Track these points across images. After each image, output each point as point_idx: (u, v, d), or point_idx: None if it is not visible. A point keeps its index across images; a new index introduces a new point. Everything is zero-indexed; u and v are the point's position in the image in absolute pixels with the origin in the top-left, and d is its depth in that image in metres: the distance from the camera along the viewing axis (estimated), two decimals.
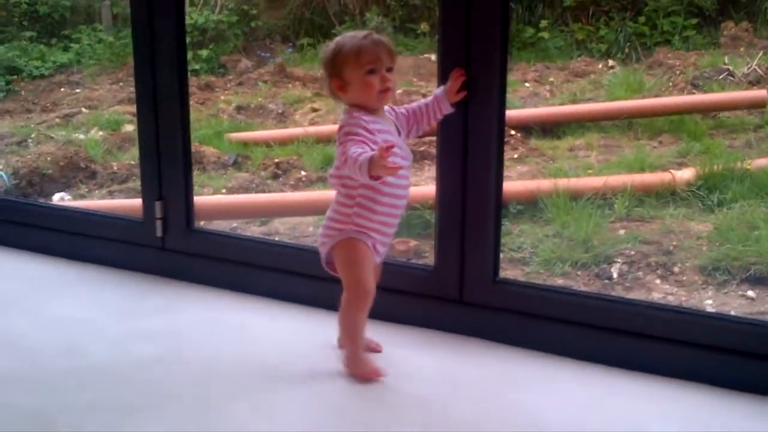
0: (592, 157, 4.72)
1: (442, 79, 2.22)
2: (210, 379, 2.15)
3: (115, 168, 4.79)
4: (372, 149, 1.94)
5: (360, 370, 2.12)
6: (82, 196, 4.52)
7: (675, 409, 2.00)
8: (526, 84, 6.21)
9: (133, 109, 2.87)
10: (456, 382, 2.13)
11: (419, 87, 6.09)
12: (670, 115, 5.24)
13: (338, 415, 1.99)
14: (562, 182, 4.01)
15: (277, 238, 3.79)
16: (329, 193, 2.16)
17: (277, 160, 4.79)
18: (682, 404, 2.01)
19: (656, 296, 3.16)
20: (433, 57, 6.60)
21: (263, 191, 4.49)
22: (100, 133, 5.50)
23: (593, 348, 2.21)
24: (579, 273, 3.36)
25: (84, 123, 5.83)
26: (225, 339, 2.37)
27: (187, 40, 2.82)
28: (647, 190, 4.02)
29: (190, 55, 6.74)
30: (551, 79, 6.32)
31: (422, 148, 4.66)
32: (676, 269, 3.34)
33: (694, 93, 5.60)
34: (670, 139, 4.96)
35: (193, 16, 7.26)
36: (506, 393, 2.08)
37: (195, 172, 4.07)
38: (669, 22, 6.97)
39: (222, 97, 6.35)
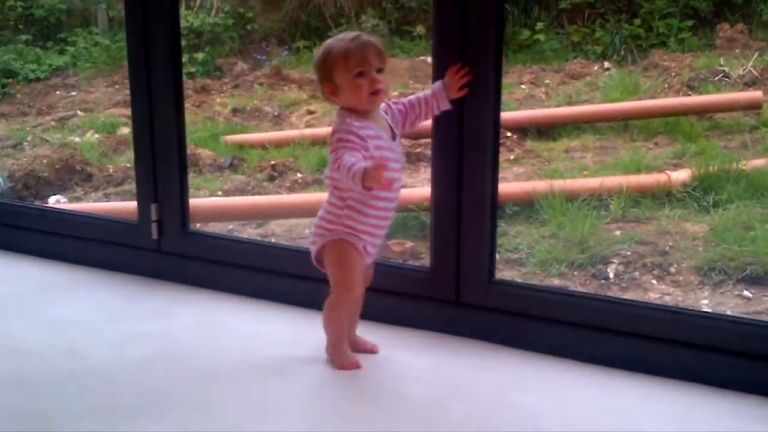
0: (588, 159, 4.73)
1: (438, 80, 2.22)
2: (207, 381, 2.14)
3: (111, 171, 4.79)
4: (365, 156, 1.96)
5: (339, 359, 2.17)
6: (78, 199, 4.52)
7: (672, 409, 2.00)
8: (522, 86, 6.22)
9: (129, 111, 2.87)
10: (452, 383, 2.13)
11: (415, 89, 6.09)
12: (665, 116, 5.25)
13: (335, 417, 1.99)
14: (558, 183, 4.01)
15: (273, 240, 3.79)
16: (325, 195, 2.16)
17: (273, 163, 4.79)
18: (679, 404, 2.01)
19: (653, 296, 3.16)
20: (429, 59, 6.59)
21: (259, 193, 4.49)
22: (96, 135, 5.50)
23: (590, 348, 2.21)
24: (575, 273, 3.36)
25: (80, 126, 5.83)
26: (221, 341, 2.37)
27: (184, 43, 2.83)
28: (643, 191, 4.03)
29: (186, 58, 6.74)
30: (547, 81, 6.33)
31: (418, 150, 4.67)
32: (672, 269, 3.34)
33: (689, 94, 5.61)
34: (665, 141, 4.97)
35: (189, 19, 7.26)
36: (503, 394, 2.08)
37: (191, 175, 4.08)
38: (664, 24, 6.99)
39: (218, 100, 6.35)
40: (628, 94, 5.70)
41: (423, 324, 2.38)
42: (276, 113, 5.95)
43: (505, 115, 4.60)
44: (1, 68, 7.01)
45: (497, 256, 2.41)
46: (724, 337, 2.09)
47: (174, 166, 2.72)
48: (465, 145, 2.26)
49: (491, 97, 2.22)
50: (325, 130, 5.07)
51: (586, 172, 4.42)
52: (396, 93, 5.82)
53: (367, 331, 2.31)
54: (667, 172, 4.21)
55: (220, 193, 4.49)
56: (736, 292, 3.17)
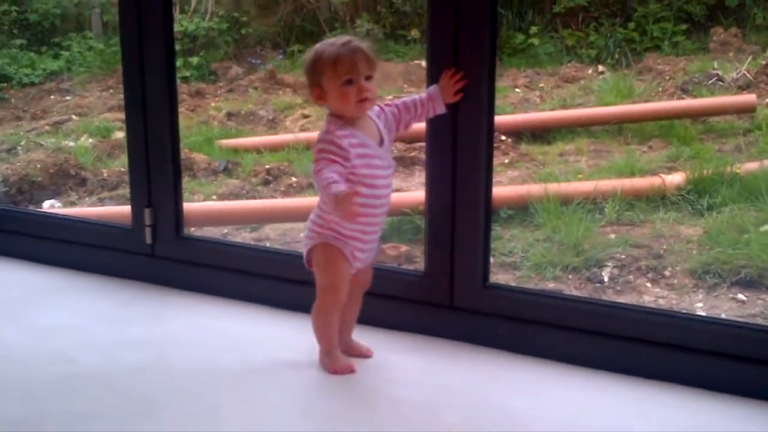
0: (583, 162, 4.73)
1: (432, 84, 2.22)
2: (200, 386, 2.14)
3: (105, 175, 4.78)
4: (344, 166, 1.98)
5: (332, 364, 2.17)
6: (72, 203, 4.51)
7: (666, 413, 1.99)
8: (517, 90, 6.23)
9: (123, 116, 2.87)
10: (447, 387, 2.12)
11: (410, 93, 6.08)
12: (659, 120, 5.26)
13: (329, 421, 1.98)
14: (553, 187, 4.02)
15: (267, 245, 3.78)
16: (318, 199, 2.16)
17: (267, 167, 4.79)
18: (673, 408, 2.01)
19: (647, 299, 3.16)
20: (424, 63, 6.59)
21: (254, 198, 4.49)
22: (90, 140, 5.49)
23: (584, 352, 2.21)
24: (570, 277, 3.36)
25: (74, 130, 5.82)
26: (215, 346, 2.36)
27: (178, 47, 2.83)
28: (637, 194, 4.03)
29: (180, 62, 6.74)
30: (541, 84, 6.33)
31: (412, 154, 4.67)
32: (666, 273, 3.34)
33: (683, 98, 5.62)
34: (659, 144, 4.97)
35: (183, 24, 7.26)
36: (497, 398, 2.07)
37: (186, 179, 4.08)
38: (658, 27, 7.00)
39: (212, 104, 6.34)
40: (623, 98, 5.71)
41: (417, 328, 2.37)
42: (271, 117, 5.94)
43: (500, 119, 4.61)
44: None
45: (492, 259, 2.41)
46: (719, 340, 2.09)
47: (168, 171, 2.72)
48: (459, 149, 2.26)
49: (485, 100, 2.23)
50: None
51: (580, 176, 4.43)
52: (390, 97, 5.80)
53: (361, 335, 2.30)
54: (662, 175, 4.22)
55: (214, 197, 4.49)
56: (731, 295, 3.18)
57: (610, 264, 3.41)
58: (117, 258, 2.85)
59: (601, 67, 6.63)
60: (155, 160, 2.73)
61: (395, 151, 4.76)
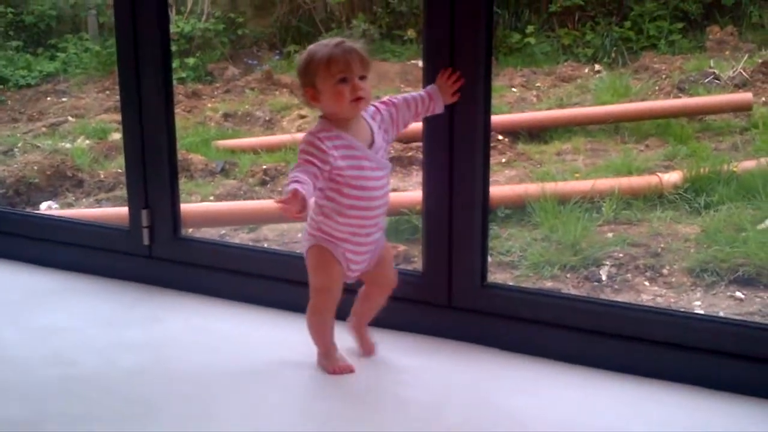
0: (580, 161, 4.73)
1: (428, 84, 2.22)
2: (199, 387, 2.14)
3: (102, 176, 4.78)
4: (320, 168, 1.98)
5: (330, 364, 2.18)
6: (70, 205, 4.51)
7: (665, 411, 2.00)
8: (513, 89, 6.23)
9: (120, 117, 2.86)
10: (445, 386, 2.12)
11: (407, 92, 6.08)
12: (656, 118, 5.26)
13: (328, 421, 1.98)
14: (550, 186, 4.02)
15: (265, 245, 3.78)
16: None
17: (264, 167, 4.78)
18: (672, 407, 2.02)
19: (645, 298, 3.16)
20: (420, 63, 6.59)
21: (251, 198, 4.48)
22: (87, 141, 5.49)
23: (583, 351, 2.21)
24: (568, 276, 3.36)
25: (71, 132, 5.81)
26: (213, 347, 2.36)
27: (174, 48, 2.82)
28: (634, 193, 4.03)
29: (177, 63, 6.73)
30: (538, 84, 6.34)
31: (409, 154, 4.67)
32: (664, 271, 3.35)
33: (680, 97, 5.62)
34: (656, 143, 4.98)
35: (179, 25, 7.25)
36: (496, 397, 2.08)
37: (183, 180, 4.07)
38: (655, 26, 7.00)
39: (209, 105, 6.34)
40: (619, 97, 5.71)
41: (416, 328, 2.37)
42: (267, 118, 5.94)
43: (497, 119, 4.60)
44: None
45: (489, 259, 2.41)
46: (717, 338, 2.09)
47: (165, 172, 2.71)
48: (456, 149, 2.26)
49: (481, 100, 2.23)
50: None
51: (577, 175, 4.43)
52: (387, 97, 5.81)
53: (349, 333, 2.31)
54: (659, 174, 4.22)
55: (212, 198, 4.48)
56: (729, 293, 3.18)
57: (608, 263, 3.41)
58: (114, 259, 2.85)
59: (597, 66, 6.63)
60: (152, 161, 2.72)
61: (392, 151, 4.76)
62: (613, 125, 5.22)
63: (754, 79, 5.70)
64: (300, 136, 5.20)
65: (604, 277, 3.31)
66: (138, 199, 2.77)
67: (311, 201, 2.03)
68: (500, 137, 4.96)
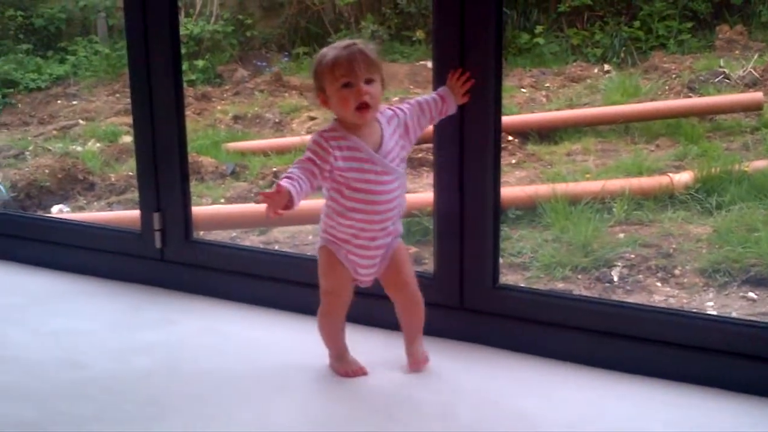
0: (590, 162, 4.72)
1: (438, 85, 2.22)
2: (210, 389, 2.14)
3: (113, 179, 4.79)
4: (320, 167, 1.99)
5: (341, 367, 2.18)
6: (81, 208, 4.52)
7: (678, 413, 1.99)
8: (523, 90, 6.22)
9: (130, 120, 2.87)
10: (457, 387, 2.12)
11: (415, 94, 6.08)
12: (666, 118, 5.24)
13: (339, 423, 1.98)
14: (561, 187, 4.01)
15: (276, 247, 3.78)
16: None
17: (274, 169, 4.79)
18: (685, 408, 2.01)
19: (657, 299, 3.15)
20: (429, 64, 6.59)
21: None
22: (98, 144, 5.51)
23: (595, 352, 2.21)
24: (579, 277, 3.36)
25: (81, 135, 5.83)
26: (225, 350, 2.37)
27: (184, 50, 2.83)
28: (645, 193, 4.02)
29: (186, 65, 6.74)
30: (547, 84, 6.32)
31: (420, 155, 4.66)
32: (676, 272, 3.33)
33: (690, 96, 5.60)
34: (667, 143, 4.96)
35: (188, 27, 7.26)
36: (508, 399, 2.07)
37: (193, 183, 4.08)
38: (664, 26, 6.98)
39: (219, 107, 6.35)
40: (629, 97, 5.70)
41: (427, 329, 2.36)
42: (277, 120, 5.95)
43: (506, 119, 4.58)
44: (1, 78, 7.00)
45: (501, 260, 2.40)
46: (730, 339, 2.08)
47: (176, 175, 2.72)
48: (466, 150, 2.26)
49: (492, 101, 2.22)
50: None
51: (588, 176, 4.42)
52: (396, 98, 5.82)
53: (372, 337, 2.31)
54: (669, 174, 4.20)
55: (222, 200, 4.49)
56: (741, 294, 3.17)
57: (619, 264, 3.40)
58: (126, 262, 2.85)
59: (606, 66, 6.61)
60: (163, 164, 2.73)
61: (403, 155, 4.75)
62: (623, 125, 5.21)
63: (765, 78, 5.68)
64: (309, 138, 5.23)
65: (615, 278, 3.31)
66: (150, 202, 2.77)
67: (300, 200, 1.99)
68: (510, 138, 4.95)
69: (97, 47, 7.61)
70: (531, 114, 5.57)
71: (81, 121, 6.19)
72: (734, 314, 3.00)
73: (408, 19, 7.52)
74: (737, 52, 6.36)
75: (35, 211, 4.42)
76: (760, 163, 4.30)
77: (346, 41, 2.05)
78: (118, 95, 6.71)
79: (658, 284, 3.27)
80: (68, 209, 4.48)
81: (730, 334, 2.09)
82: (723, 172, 4.13)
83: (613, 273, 3.33)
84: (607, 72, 6.48)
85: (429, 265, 3.09)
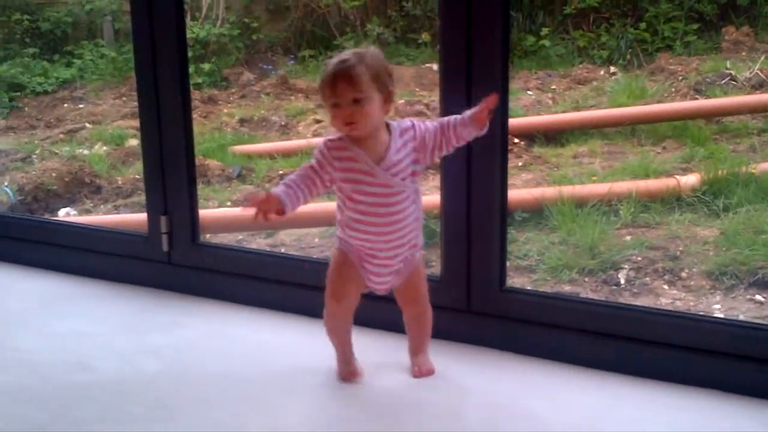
0: (596, 164, 4.72)
1: (444, 88, 2.22)
2: (217, 393, 2.14)
3: (120, 183, 4.80)
4: (319, 175, 2.01)
5: (339, 372, 2.20)
6: (88, 212, 4.53)
7: (684, 415, 1.99)
8: (529, 92, 6.22)
9: (137, 123, 2.88)
10: (464, 390, 2.12)
11: (421, 97, 6.09)
12: (673, 120, 5.24)
13: (347, 426, 1.98)
14: (567, 189, 4.00)
15: (282, 250, 3.78)
16: (334, 205, 2.16)
17: (281, 172, 4.80)
18: (691, 411, 2.01)
19: (664, 301, 3.15)
20: (435, 66, 6.61)
21: None
22: (104, 148, 5.52)
23: (601, 355, 2.20)
24: (586, 280, 3.35)
25: (88, 138, 5.85)
26: (232, 352, 2.37)
27: (190, 53, 2.83)
28: (652, 196, 4.02)
29: (192, 68, 6.76)
30: (553, 86, 6.32)
31: None
32: (683, 274, 3.33)
33: (696, 98, 5.60)
34: (673, 145, 4.96)
35: (194, 30, 7.28)
36: (514, 401, 2.07)
37: (200, 186, 4.09)
38: (670, 27, 6.98)
39: (225, 110, 6.36)
40: (635, 99, 5.69)
41: (435, 332, 2.36)
42: (283, 123, 5.96)
43: (513, 122, 4.59)
44: (8, 82, 7.03)
45: (507, 263, 2.40)
46: (737, 342, 2.08)
47: (183, 178, 2.73)
48: (474, 153, 2.26)
49: (499, 103, 2.22)
50: None
51: (594, 178, 4.41)
52: (402, 101, 5.83)
53: (378, 340, 2.31)
54: (676, 176, 4.20)
55: (228, 203, 4.50)
56: (748, 296, 3.16)
57: (626, 266, 3.39)
58: (134, 265, 2.86)
59: (612, 68, 6.61)
60: (170, 167, 2.74)
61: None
62: (629, 128, 5.21)
63: None
64: (316, 140, 5.24)
65: (622, 281, 3.30)
66: (157, 206, 2.78)
67: (296, 206, 2.00)
68: (516, 140, 4.95)
69: (104, 51, 7.64)
70: (537, 116, 5.56)
71: (88, 125, 6.20)
72: (741, 317, 2.99)
73: (413, 22, 7.53)
74: (744, 53, 6.35)
75: (42, 215, 4.43)
76: (766, 165, 4.28)
77: (345, 54, 2.00)
78: (124, 98, 6.73)
79: (665, 287, 3.26)
80: (75, 212, 4.49)
81: (737, 337, 2.09)
82: (730, 175, 4.12)
83: (619, 275, 3.33)
84: (613, 74, 6.48)
85: (436, 268, 3.09)
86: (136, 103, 2.82)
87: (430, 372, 2.20)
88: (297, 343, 2.40)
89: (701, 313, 2.95)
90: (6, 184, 4.72)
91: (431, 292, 2.27)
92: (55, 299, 2.79)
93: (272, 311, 2.59)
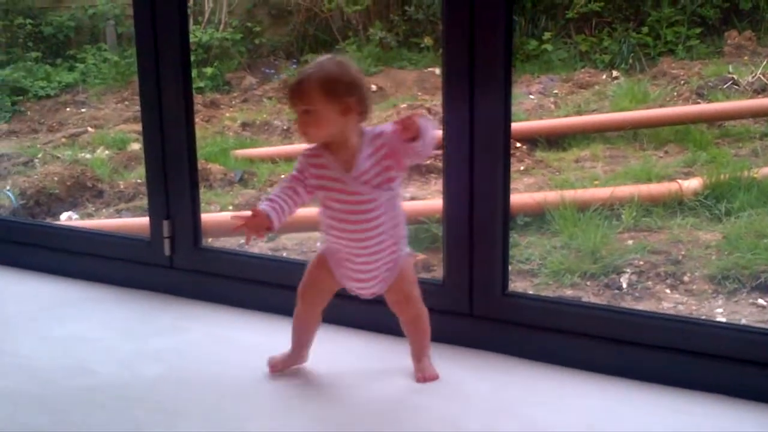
0: (599, 168, 4.71)
1: (447, 91, 2.22)
2: (220, 397, 2.14)
3: (122, 187, 4.80)
4: (302, 182, 2.08)
5: (277, 356, 2.28)
6: (90, 216, 4.53)
7: (686, 419, 1.98)
8: (531, 96, 6.21)
9: (139, 127, 2.88)
10: (467, 395, 2.12)
11: (423, 101, 6.10)
12: (675, 124, 5.23)
13: (347, 430, 1.98)
14: (569, 193, 4.00)
15: (284, 254, 3.78)
16: None
17: (282, 176, 4.79)
18: (693, 415, 2.00)
19: (666, 306, 3.14)
20: (437, 71, 6.61)
21: None
22: (107, 152, 5.52)
23: (603, 359, 2.20)
24: (588, 284, 3.35)
25: (90, 142, 5.85)
26: (234, 357, 2.37)
27: (192, 57, 2.83)
28: (654, 200, 4.01)
29: (194, 72, 6.74)
30: (555, 90, 6.32)
31: (427, 162, 4.66)
32: (685, 278, 3.32)
33: (699, 102, 5.59)
34: (675, 149, 4.95)
35: (197, 34, 7.29)
36: (517, 406, 2.07)
37: (201, 190, 4.08)
38: (672, 32, 6.97)
39: (227, 114, 6.36)
40: (637, 103, 5.69)
41: (436, 336, 2.36)
42: (285, 127, 5.95)
43: (515, 126, 4.56)
44: (11, 86, 7.03)
45: (509, 267, 2.40)
46: (740, 346, 2.08)
47: (185, 182, 2.73)
48: (476, 157, 2.26)
49: (501, 107, 2.22)
50: None
51: (596, 182, 4.41)
52: (404, 105, 5.83)
53: (381, 344, 2.31)
54: (678, 180, 4.19)
55: (230, 207, 4.50)
56: (751, 301, 3.15)
57: (628, 270, 3.39)
58: (136, 270, 2.86)
59: (615, 73, 6.60)
60: (173, 171, 2.74)
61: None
62: (631, 132, 5.20)
63: None
64: None
65: (624, 285, 3.30)
66: (159, 210, 2.78)
67: (282, 219, 2.05)
68: (518, 145, 4.95)
69: (106, 55, 7.64)
70: (539, 120, 5.56)
71: (90, 129, 6.20)
72: (744, 321, 2.99)
73: (416, 26, 7.52)
74: (746, 57, 6.34)
75: (44, 219, 4.43)
76: None
77: (310, 65, 2.06)
78: (126, 103, 6.73)
79: (667, 291, 3.26)
80: (77, 216, 4.49)
81: (740, 341, 2.09)
82: (732, 179, 4.12)
83: (622, 280, 3.33)
84: (616, 78, 6.47)
85: (438, 272, 3.09)
86: (138, 108, 2.83)
87: (433, 378, 2.19)
88: None
89: (703, 318, 2.95)
90: (8, 188, 4.72)
91: (433, 296, 2.27)
92: (56, 303, 2.79)
93: (274, 315, 2.59)
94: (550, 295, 3.16)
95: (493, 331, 2.33)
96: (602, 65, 6.82)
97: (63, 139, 5.98)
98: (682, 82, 5.99)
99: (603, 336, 2.21)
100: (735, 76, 5.79)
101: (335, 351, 2.26)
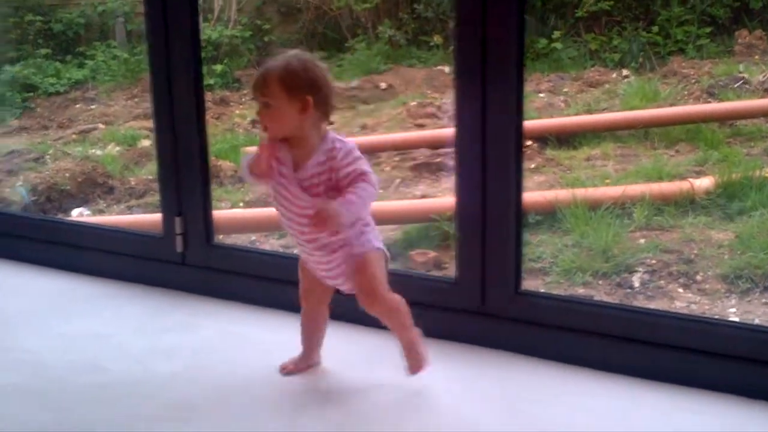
0: (610, 167, 4.70)
1: (459, 88, 2.22)
2: (233, 393, 2.14)
3: (133, 183, 4.81)
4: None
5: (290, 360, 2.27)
6: (101, 212, 4.54)
7: (698, 420, 1.98)
8: (541, 95, 6.20)
9: (149, 124, 2.89)
10: (479, 393, 2.12)
11: (433, 99, 6.09)
12: (686, 123, 5.21)
13: (358, 427, 1.98)
14: (580, 192, 3.99)
15: (295, 251, 3.77)
16: None
17: None
18: (707, 415, 2.00)
19: (679, 305, 3.13)
20: (446, 69, 6.60)
21: None
22: (117, 148, 5.53)
23: (615, 359, 2.20)
24: (600, 283, 3.34)
25: (100, 139, 5.86)
26: (246, 353, 2.37)
27: (202, 55, 2.82)
28: (666, 199, 4.00)
29: (204, 70, 6.75)
30: (565, 89, 6.30)
31: (438, 160, 4.66)
32: (698, 278, 3.31)
33: (709, 101, 5.58)
34: (687, 148, 4.94)
35: (206, 32, 7.29)
36: (529, 405, 2.06)
37: (212, 187, 4.08)
38: (682, 31, 6.95)
39: (237, 112, 6.37)
40: (648, 102, 5.67)
41: (449, 335, 2.36)
42: None
43: (525, 124, 4.56)
44: (21, 82, 7.05)
45: None
46: (753, 346, 2.07)
47: (197, 179, 2.73)
48: (488, 155, 2.25)
49: (513, 106, 2.22)
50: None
51: (608, 181, 4.40)
52: (414, 103, 5.82)
53: (390, 340, 2.30)
54: (690, 179, 4.18)
55: (241, 204, 4.50)
56: (764, 300, 3.14)
57: (640, 269, 3.38)
58: (148, 266, 2.86)
59: (625, 71, 6.59)
60: (185, 168, 2.74)
61: (420, 158, 4.75)
62: (642, 130, 5.18)
63: None
64: None
65: (636, 284, 3.29)
66: (171, 206, 2.78)
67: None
68: (529, 143, 4.93)
69: (116, 52, 7.64)
70: (550, 119, 5.54)
71: (100, 125, 6.21)
72: (757, 321, 2.98)
73: (425, 24, 7.52)
74: (757, 57, 6.32)
75: (56, 215, 4.44)
76: None
77: (277, 59, 2.04)
78: (136, 99, 6.74)
79: (680, 290, 3.25)
80: (88, 212, 4.50)
81: (753, 341, 2.08)
82: (744, 178, 4.10)
83: (634, 279, 3.32)
84: (626, 77, 6.46)
85: (450, 270, 3.09)
86: (148, 104, 2.84)
87: (418, 369, 2.12)
88: None
89: (716, 317, 2.94)
90: (20, 184, 4.73)
91: (446, 294, 2.27)
92: (68, 299, 2.79)
93: (286, 312, 2.58)
94: (563, 294, 3.15)
95: (506, 329, 2.32)
96: (612, 64, 6.80)
97: (73, 136, 5.99)
98: (693, 81, 5.97)
99: (616, 335, 2.21)
100: (746, 76, 5.77)
101: (345, 350, 2.26)
